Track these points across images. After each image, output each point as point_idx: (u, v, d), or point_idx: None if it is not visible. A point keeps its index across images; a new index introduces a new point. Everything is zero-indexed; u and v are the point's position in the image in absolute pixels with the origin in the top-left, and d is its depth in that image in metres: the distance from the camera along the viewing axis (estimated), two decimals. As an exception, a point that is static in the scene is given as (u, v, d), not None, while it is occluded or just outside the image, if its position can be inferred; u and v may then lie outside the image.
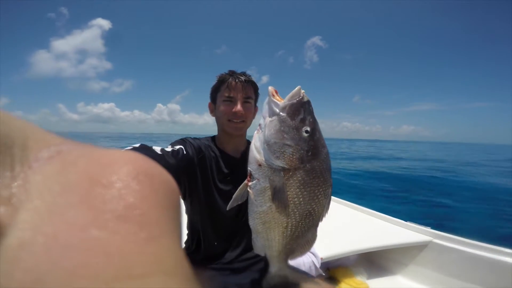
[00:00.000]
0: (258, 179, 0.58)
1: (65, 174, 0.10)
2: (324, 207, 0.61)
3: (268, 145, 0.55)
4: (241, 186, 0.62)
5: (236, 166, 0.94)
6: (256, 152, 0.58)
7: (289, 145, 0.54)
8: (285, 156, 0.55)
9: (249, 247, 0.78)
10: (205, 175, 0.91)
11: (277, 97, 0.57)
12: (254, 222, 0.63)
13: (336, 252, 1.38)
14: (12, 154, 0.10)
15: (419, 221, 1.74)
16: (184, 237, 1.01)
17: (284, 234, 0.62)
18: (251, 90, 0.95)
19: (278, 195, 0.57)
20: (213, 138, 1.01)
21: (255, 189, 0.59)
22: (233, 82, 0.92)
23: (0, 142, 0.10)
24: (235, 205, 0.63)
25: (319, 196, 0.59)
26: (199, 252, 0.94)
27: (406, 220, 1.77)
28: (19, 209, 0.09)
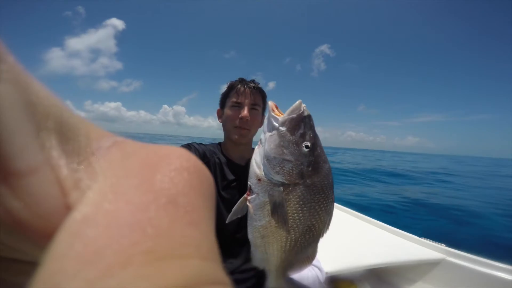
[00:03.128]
0: (257, 194, 0.58)
1: (128, 160, 0.12)
2: (325, 224, 0.60)
3: (267, 160, 0.55)
4: (240, 200, 0.62)
5: (241, 174, 0.93)
6: (256, 167, 0.58)
7: (288, 160, 0.54)
8: (285, 171, 0.54)
9: (249, 258, 0.77)
10: None
11: (277, 112, 0.57)
12: (253, 235, 0.63)
13: (343, 267, 1.33)
14: (79, 141, 0.11)
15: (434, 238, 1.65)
16: None
17: (283, 249, 0.61)
18: (259, 98, 0.96)
19: (277, 210, 0.56)
20: (219, 144, 1.02)
21: (254, 204, 0.58)
22: (242, 88, 0.93)
23: (70, 131, 0.11)
24: (234, 218, 0.63)
25: (320, 212, 0.57)
26: None
27: (420, 236, 1.69)
28: (86, 191, 0.10)
